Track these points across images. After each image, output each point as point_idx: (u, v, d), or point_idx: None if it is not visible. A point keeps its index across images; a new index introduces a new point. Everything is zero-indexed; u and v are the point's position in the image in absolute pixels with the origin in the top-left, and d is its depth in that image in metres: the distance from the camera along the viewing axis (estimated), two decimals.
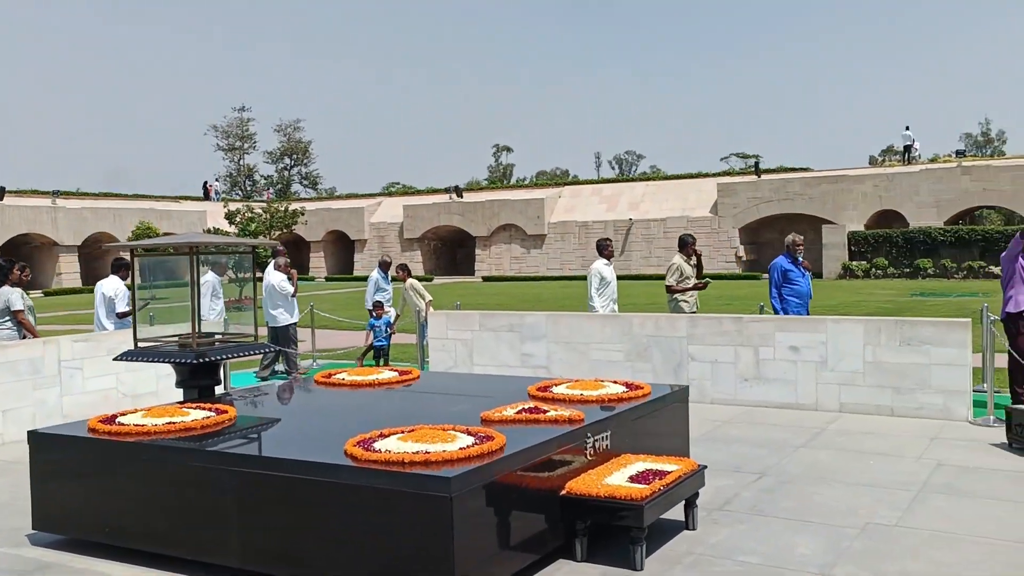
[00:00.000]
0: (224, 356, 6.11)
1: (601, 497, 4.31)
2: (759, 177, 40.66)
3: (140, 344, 6.27)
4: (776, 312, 9.22)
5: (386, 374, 6.57)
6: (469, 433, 4.34)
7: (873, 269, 33.26)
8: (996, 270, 31.19)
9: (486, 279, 44.02)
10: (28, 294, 8.90)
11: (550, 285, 36.36)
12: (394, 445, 4.18)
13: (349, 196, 59.71)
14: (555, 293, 29.31)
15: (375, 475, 3.92)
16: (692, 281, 10.16)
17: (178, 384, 6.22)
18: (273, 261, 11.82)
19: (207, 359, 5.91)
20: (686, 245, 10.35)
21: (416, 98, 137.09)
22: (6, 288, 8.76)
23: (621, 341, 9.10)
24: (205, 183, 58.17)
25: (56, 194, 43.25)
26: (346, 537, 3.99)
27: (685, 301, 10.09)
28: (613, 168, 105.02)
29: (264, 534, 4.25)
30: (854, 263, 33.65)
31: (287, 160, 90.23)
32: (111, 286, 10.06)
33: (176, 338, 6.47)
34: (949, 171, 35.25)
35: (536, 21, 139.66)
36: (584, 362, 9.22)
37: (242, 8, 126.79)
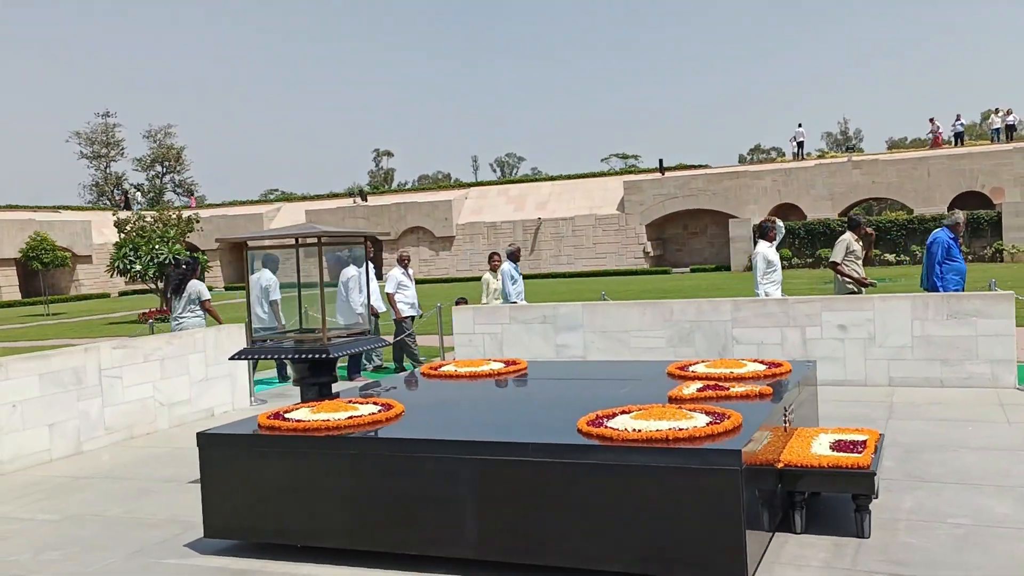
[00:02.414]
0: (350, 350, 5.90)
1: (826, 467, 4.39)
2: (663, 175, 41.83)
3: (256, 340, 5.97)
4: (936, 288, 9.14)
5: (496, 365, 6.46)
6: (704, 412, 4.34)
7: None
8: (891, 258, 33.20)
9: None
10: None
11: (469, 285, 36.28)
12: (632, 423, 4.14)
13: (246, 203, 57.85)
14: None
15: (644, 452, 3.87)
16: (859, 263, 9.78)
17: (296, 382, 5.96)
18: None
19: (330, 354, 5.69)
20: (858, 225, 9.99)
21: (292, 103, 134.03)
22: (195, 281, 10.01)
23: (662, 328, 9.24)
24: (125, 191, 55.23)
25: None
26: (602, 520, 3.93)
27: (848, 283, 9.68)
28: (494, 171, 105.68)
29: (504, 523, 4.12)
30: None
31: (159, 167, 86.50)
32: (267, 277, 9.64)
33: (291, 333, 6.20)
34: (841, 166, 37.26)
35: (412, 24, 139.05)
36: (624, 350, 9.31)
37: (107, 8, 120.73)
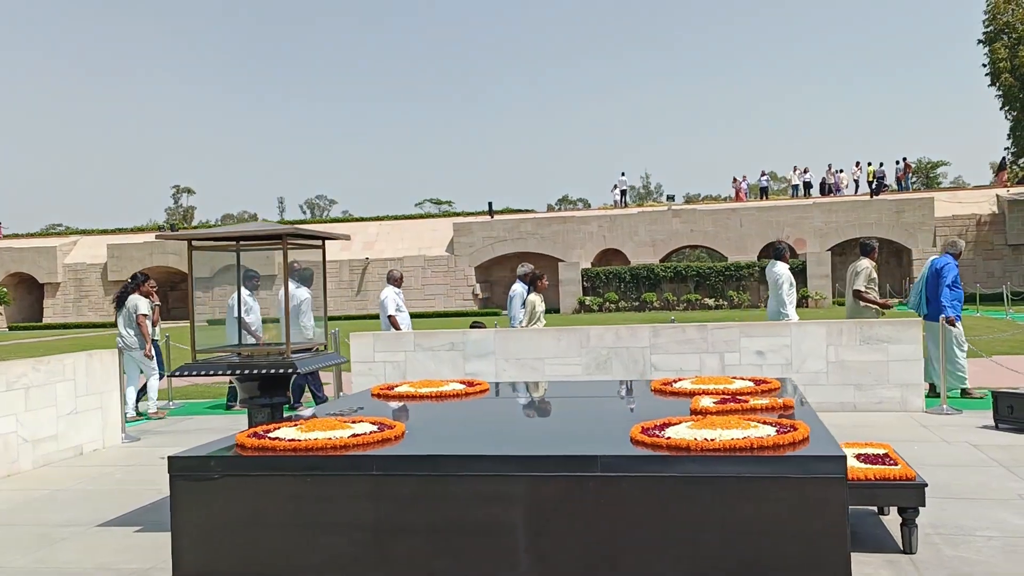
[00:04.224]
0: (315, 366, 5.19)
1: (874, 479, 4.23)
2: (492, 217, 42.20)
3: (199, 356, 5.13)
4: (945, 311, 9.02)
5: (455, 385, 5.91)
6: (767, 423, 4.05)
7: (606, 303, 35.79)
8: (710, 302, 35.02)
9: (210, 322, 41.02)
10: None
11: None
12: (697, 433, 3.79)
13: (35, 235, 52.92)
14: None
15: (734, 463, 3.52)
16: (876, 287, 9.56)
17: (243, 402, 5.19)
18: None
19: (297, 369, 4.99)
20: (872, 250, 9.70)
21: (81, 132, 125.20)
22: (134, 295, 10.09)
23: (579, 354, 8.98)
24: None
25: None
26: (686, 540, 3.53)
27: (870, 309, 9.37)
28: (304, 212, 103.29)
29: (565, 548, 3.62)
30: (588, 298, 35.99)
31: None
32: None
33: (232, 348, 5.40)
34: (662, 214, 39.07)
35: (215, 57, 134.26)
36: (538, 378, 8.96)
37: None
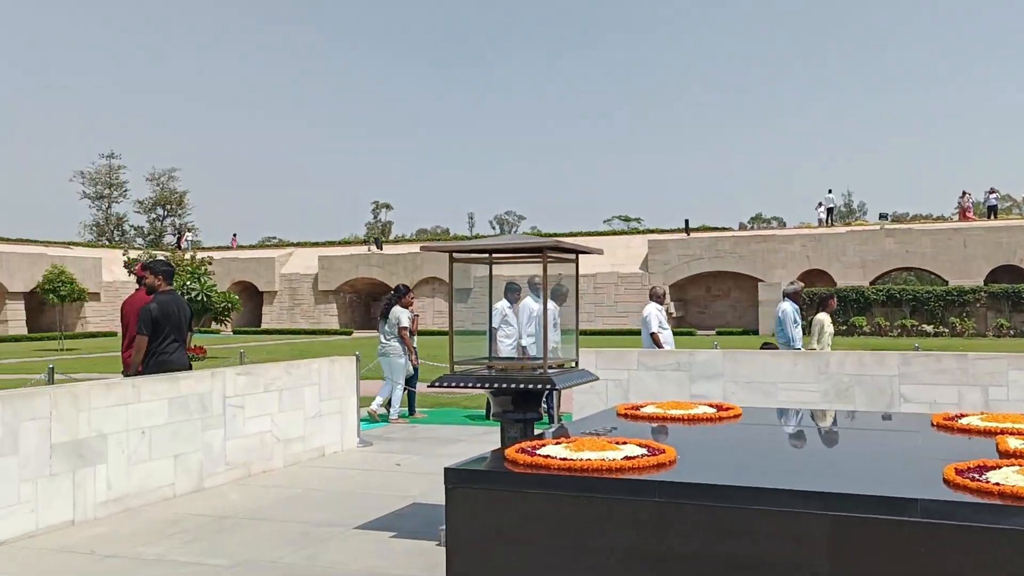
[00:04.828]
0: (572, 383, 5.10)
1: None
2: (689, 235, 41.39)
3: (457, 368, 5.18)
4: None
5: (705, 409, 5.65)
6: None
7: (809, 327, 34.11)
8: (929, 328, 32.62)
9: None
10: None
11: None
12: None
13: (256, 246, 57.14)
14: None
15: None
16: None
17: (496, 416, 5.17)
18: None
19: (555, 386, 4.90)
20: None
21: (292, 152, 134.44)
22: (397, 308, 10.59)
23: (816, 381, 8.44)
24: (178, 231, 54.56)
25: None
26: None
27: None
28: (493, 227, 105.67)
29: None
30: None
31: (159, 210, 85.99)
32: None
33: (486, 360, 5.42)
34: (874, 233, 36.86)
35: (415, 78, 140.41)
36: (771, 404, 8.50)
37: (118, 52, 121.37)
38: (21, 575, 4.59)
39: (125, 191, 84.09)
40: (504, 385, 4.94)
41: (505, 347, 9.58)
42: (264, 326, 47.71)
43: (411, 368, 10.69)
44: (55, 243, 47.67)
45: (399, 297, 10.79)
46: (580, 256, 5.83)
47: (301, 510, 5.96)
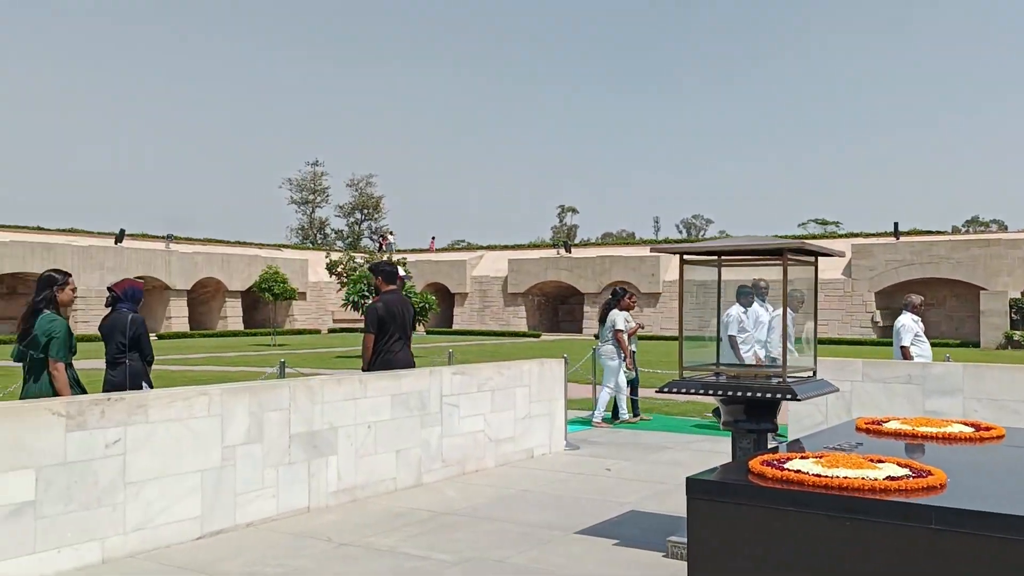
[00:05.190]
0: (813, 394, 4.80)
1: None
2: (898, 239, 38.88)
3: (686, 373, 5.00)
4: None
5: (960, 427, 5.15)
6: None
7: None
8: None
9: (598, 337, 42.46)
10: None
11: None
12: None
13: (447, 249, 59.01)
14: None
15: None
16: None
17: (726, 425, 4.93)
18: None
19: (797, 396, 4.60)
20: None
21: (481, 157, 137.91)
22: (615, 311, 10.60)
23: None
24: (382, 234, 58.14)
25: (169, 238, 43.12)
26: None
27: None
28: (680, 232, 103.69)
29: None
30: (1017, 332, 31.51)
31: (358, 214, 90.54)
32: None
33: (713, 367, 5.20)
34: None
35: (603, 83, 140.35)
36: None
37: (324, 69, 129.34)
38: (268, 555, 4.84)
39: (327, 196, 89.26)
40: (739, 393, 4.71)
41: (743, 354, 9.21)
42: (455, 327, 49.11)
43: (631, 372, 10.66)
44: (267, 246, 51.23)
45: (617, 300, 10.75)
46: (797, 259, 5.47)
47: (518, 511, 5.96)
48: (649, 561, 4.76)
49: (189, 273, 41.58)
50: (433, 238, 58.66)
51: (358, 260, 44.40)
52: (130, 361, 6.19)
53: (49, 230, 40.29)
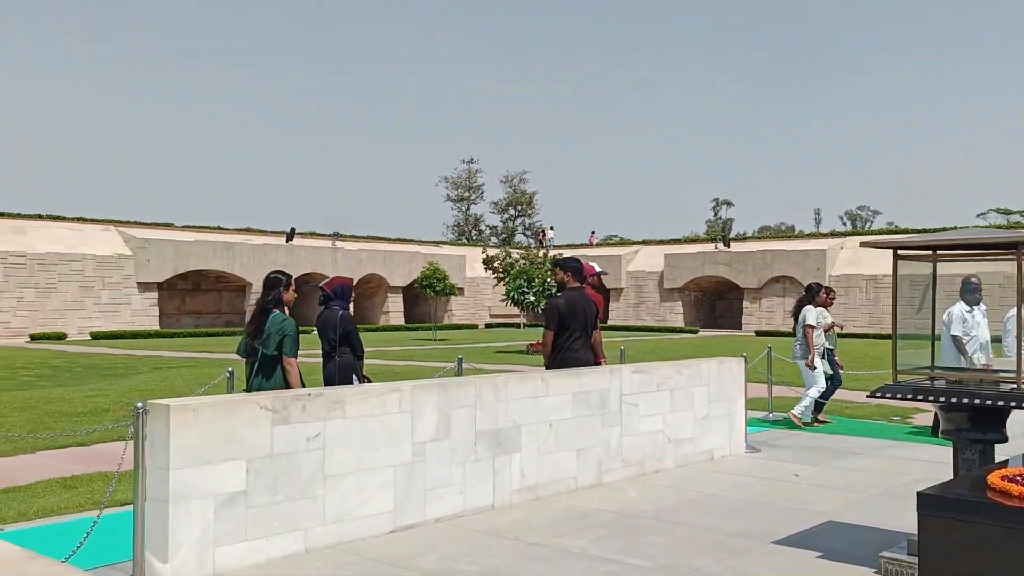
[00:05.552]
0: None
1: None
2: None
3: (900, 377, 4.66)
4: None
5: None
6: None
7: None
8: None
9: (759, 333, 41.16)
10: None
11: (855, 342, 33.11)
12: None
13: (603, 243, 58.80)
14: (884, 351, 26.23)
15: None
16: None
17: (946, 434, 4.55)
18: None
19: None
20: None
21: (632, 152, 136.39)
22: (807, 307, 10.21)
23: None
24: (541, 230, 59.27)
25: (336, 236, 44.95)
26: None
27: None
28: (844, 224, 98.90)
29: None
30: None
31: (511, 211, 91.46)
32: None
33: (928, 370, 4.83)
34: None
35: (753, 73, 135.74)
36: None
37: (478, 68, 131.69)
38: (460, 552, 4.86)
39: (482, 193, 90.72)
40: (964, 400, 4.33)
41: (968, 356, 8.59)
42: (610, 323, 48.82)
43: (828, 369, 10.34)
44: (426, 242, 52.60)
45: (812, 296, 10.37)
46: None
47: (706, 516, 5.76)
48: None
49: (353, 269, 43.24)
50: (593, 232, 58.56)
51: (515, 255, 45.01)
52: (343, 356, 6.47)
53: (228, 230, 42.85)
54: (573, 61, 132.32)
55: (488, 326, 48.38)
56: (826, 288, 10.64)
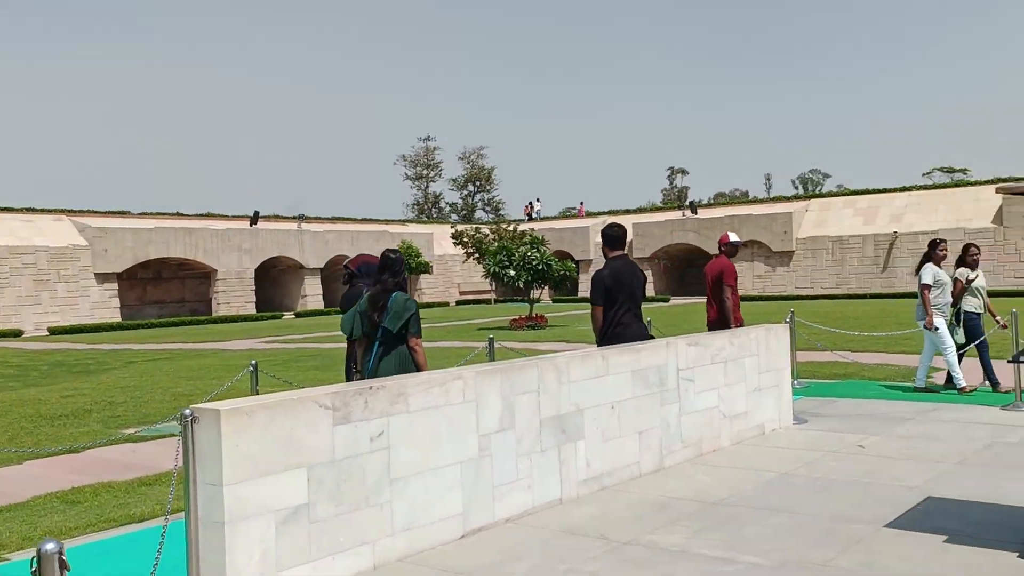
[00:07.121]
0: None
1: None
2: None
3: None
4: None
5: None
6: None
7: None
8: None
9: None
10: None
11: (825, 303, 33.10)
12: None
13: (561, 216, 58.31)
14: (858, 311, 26.13)
15: None
16: None
17: None
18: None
19: None
20: None
21: (586, 123, 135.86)
22: (927, 265, 9.25)
23: None
24: (529, 203, 58.31)
25: (301, 218, 43.81)
26: None
27: None
28: (796, 187, 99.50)
29: None
30: None
31: (470, 187, 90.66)
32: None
33: None
34: None
35: (705, 41, 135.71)
36: None
37: (430, 43, 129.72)
38: (550, 558, 4.27)
39: (440, 171, 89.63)
40: None
41: None
42: (581, 294, 48.43)
43: (960, 338, 9.22)
44: (392, 221, 51.64)
45: (929, 256, 9.34)
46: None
47: (796, 500, 5.24)
48: (1009, 564, 3.98)
49: (321, 251, 42.23)
50: (581, 203, 58.05)
51: (483, 231, 44.24)
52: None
53: (188, 215, 41.48)
54: (526, 33, 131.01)
55: (459, 303, 47.71)
56: (941, 243, 9.44)
